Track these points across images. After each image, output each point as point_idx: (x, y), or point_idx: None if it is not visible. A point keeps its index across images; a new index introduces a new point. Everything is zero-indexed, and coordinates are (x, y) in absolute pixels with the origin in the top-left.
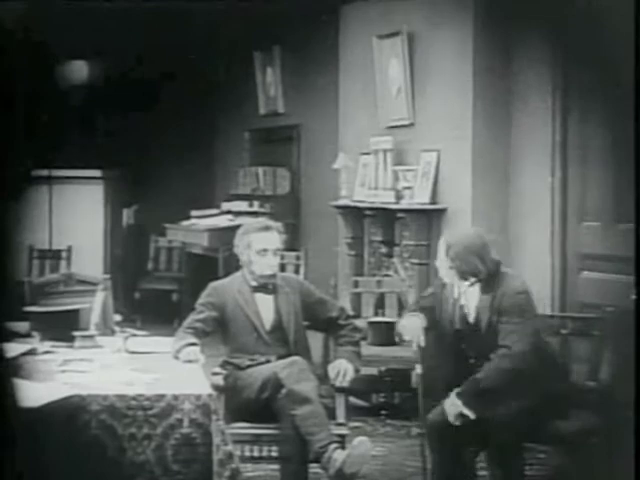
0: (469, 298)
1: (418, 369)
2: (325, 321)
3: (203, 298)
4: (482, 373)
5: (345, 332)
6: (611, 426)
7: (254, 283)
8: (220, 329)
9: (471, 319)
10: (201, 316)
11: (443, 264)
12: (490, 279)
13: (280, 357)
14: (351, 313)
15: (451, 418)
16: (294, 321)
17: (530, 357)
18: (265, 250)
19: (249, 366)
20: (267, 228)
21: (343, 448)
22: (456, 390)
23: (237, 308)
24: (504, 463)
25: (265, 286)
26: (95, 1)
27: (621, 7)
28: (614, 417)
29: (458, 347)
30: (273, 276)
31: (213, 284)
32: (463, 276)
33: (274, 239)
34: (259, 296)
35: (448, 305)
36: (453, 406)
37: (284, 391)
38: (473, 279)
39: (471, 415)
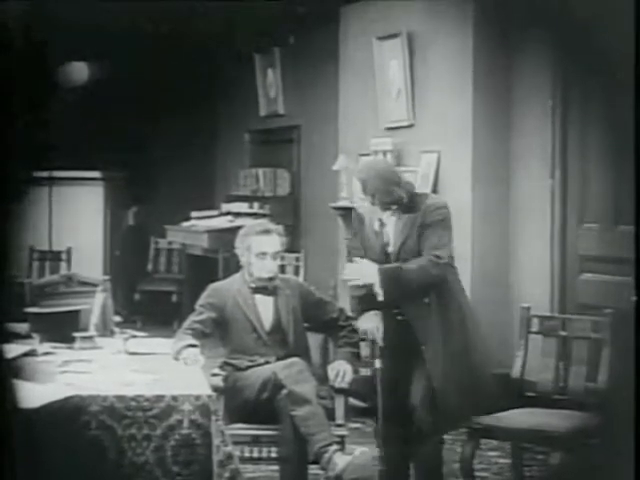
0: (390, 227)
1: (377, 364)
2: (325, 322)
3: (203, 299)
4: (409, 265)
5: (344, 333)
6: (611, 427)
7: (253, 284)
8: (220, 330)
9: (391, 248)
10: (201, 317)
11: (363, 203)
12: (409, 202)
13: (279, 358)
14: (351, 314)
15: (358, 280)
16: (293, 322)
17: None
18: (264, 253)
19: (248, 367)
20: (267, 231)
21: (343, 449)
22: (379, 266)
23: (237, 309)
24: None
25: (265, 288)
26: (96, 1)
27: (621, 8)
28: (614, 418)
29: None
30: (272, 279)
31: (213, 285)
32: (385, 207)
33: (274, 242)
34: (259, 297)
35: (370, 241)
36: (369, 274)
37: (284, 392)
38: (394, 207)
39: (379, 294)
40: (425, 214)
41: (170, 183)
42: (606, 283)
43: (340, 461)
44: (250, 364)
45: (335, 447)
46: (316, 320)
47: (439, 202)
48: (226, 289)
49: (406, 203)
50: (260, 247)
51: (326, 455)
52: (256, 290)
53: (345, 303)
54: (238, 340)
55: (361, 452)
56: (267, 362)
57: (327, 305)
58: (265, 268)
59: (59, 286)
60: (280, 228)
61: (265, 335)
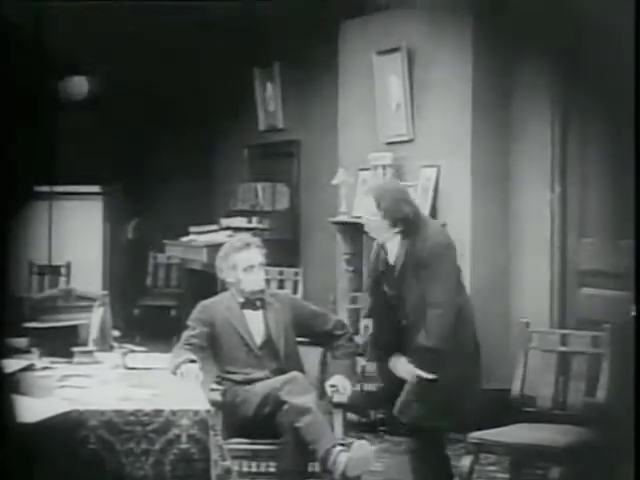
0: (390, 243)
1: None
2: (321, 334)
3: (193, 315)
4: (423, 336)
5: (341, 342)
6: (610, 442)
7: (242, 299)
8: (212, 345)
9: (391, 261)
10: (195, 332)
11: (374, 219)
12: (414, 223)
13: (272, 371)
14: (347, 325)
15: (411, 379)
16: (284, 336)
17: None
18: (251, 266)
19: (245, 381)
20: (248, 245)
21: (348, 449)
22: (406, 358)
23: (227, 324)
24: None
25: (253, 302)
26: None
27: (621, 23)
28: (613, 434)
29: (381, 288)
30: (262, 291)
31: (203, 302)
32: (395, 224)
33: (257, 254)
34: (248, 312)
35: (372, 256)
36: (407, 371)
37: (285, 407)
38: (401, 225)
39: (427, 375)
40: (425, 246)
41: (169, 198)
42: (606, 298)
43: (343, 459)
44: (246, 378)
45: (339, 449)
46: (311, 332)
47: (442, 239)
48: (215, 306)
49: (410, 224)
50: (246, 261)
51: (331, 457)
52: (244, 305)
53: (344, 317)
54: (230, 354)
55: (359, 445)
56: (261, 376)
57: (321, 317)
58: (254, 280)
59: (58, 300)
60: (258, 240)
61: (257, 349)
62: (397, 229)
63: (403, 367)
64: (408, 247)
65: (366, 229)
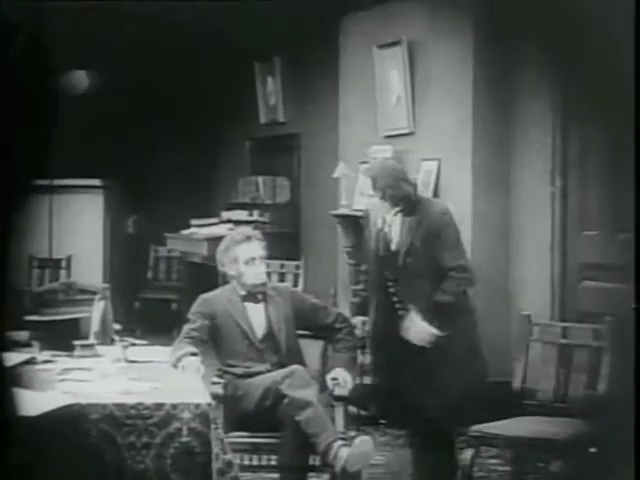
0: (392, 225)
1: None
2: (321, 327)
3: (194, 308)
4: (442, 292)
5: (341, 335)
6: (611, 435)
7: (243, 292)
8: (213, 338)
9: (393, 245)
10: (195, 325)
11: (371, 199)
12: (414, 202)
13: (273, 365)
14: (348, 318)
15: (422, 341)
16: (285, 329)
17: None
18: (252, 259)
19: (246, 374)
20: (248, 238)
21: (349, 444)
22: (416, 315)
23: (228, 317)
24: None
25: (254, 295)
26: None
27: (620, 20)
28: (614, 426)
29: (381, 274)
30: (263, 284)
31: (203, 295)
32: (395, 203)
33: (257, 247)
34: (249, 305)
35: (372, 240)
36: (422, 331)
37: (286, 400)
38: (402, 205)
39: (438, 332)
40: (429, 220)
41: (170, 191)
42: (606, 291)
43: (344, 454)
44: (247, 371)
45: (340, 443)
46: (312, 325)
47: (442, 207)
48: (216, 299)
49: (411, 203)
50: (247, 254)
51: (332, 451)
52: (245, 298)
53: (345, 310)
54: (231, 347)
55: (361, 440)
56: (262, 370)
57: (322, 310)
58: (256, 273)
59: (59, 294)
60: (258, 233)
61: (257, 342)
62: (398, 209)
63: (418, 327)
64: (412, 225)
65: (364, 215)
